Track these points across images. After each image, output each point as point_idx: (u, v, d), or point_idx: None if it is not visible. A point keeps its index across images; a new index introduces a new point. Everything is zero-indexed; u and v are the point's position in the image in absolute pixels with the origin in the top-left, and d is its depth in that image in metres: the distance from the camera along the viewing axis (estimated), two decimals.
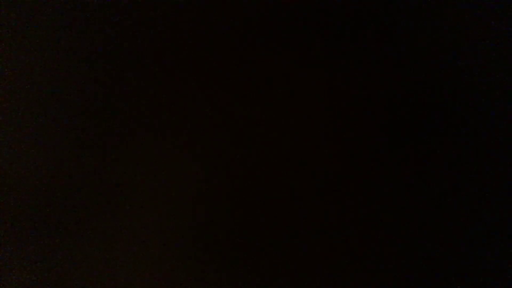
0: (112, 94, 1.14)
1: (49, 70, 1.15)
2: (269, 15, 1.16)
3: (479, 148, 1.14)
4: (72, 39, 1.15)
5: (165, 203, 1.13)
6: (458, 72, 1.16)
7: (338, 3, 1.16)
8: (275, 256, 1.12)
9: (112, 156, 1.13)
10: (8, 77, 1.15)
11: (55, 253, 1.12)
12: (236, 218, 1.13)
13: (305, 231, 1.13)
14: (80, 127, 1.14)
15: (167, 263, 1.12)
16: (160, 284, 1.12)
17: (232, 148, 1.14)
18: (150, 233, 1.13)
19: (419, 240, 1.13)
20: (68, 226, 1.13)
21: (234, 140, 1.14)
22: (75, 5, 1.16)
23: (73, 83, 1.15)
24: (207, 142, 1.14)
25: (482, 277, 1.12)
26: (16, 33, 1.15)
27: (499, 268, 1.12)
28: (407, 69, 1.16)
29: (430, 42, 1.16)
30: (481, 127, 1.15)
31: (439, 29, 1.16)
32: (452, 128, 1.15)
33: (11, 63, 1.15)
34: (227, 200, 1.13)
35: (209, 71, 1.15)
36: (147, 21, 1.16)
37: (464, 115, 1.15)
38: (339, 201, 1.13)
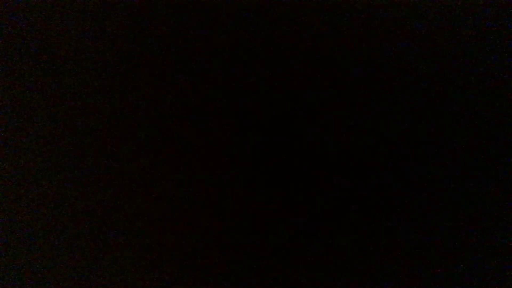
0: (112, 94, 1.15)
1: (49, 70, 1.15)
2: (268, 16, 1.16)
3: (479, 148, 1.14)
4: (72, 39, 1.16)
5: (164, 203, 1.13)
6: (458, 72, 1.16)
7: (339, 4, 1.16)
8: (274, 256, 1.13)
9: (112, 156, 1.14)
10: (8, 77, 1.15)
11: (54, 253, 1.13)
12: (235, 218, 1.13)
13: (304, 231, 1.13)
14: (80, 127, 1.14)
15: (166, 262, 1.13)
16: (159, 284, 1.12)
17: (231, 147, 1.14)
18: (149, 233, 1.13)
19: (418, 240, 1.13)
20: (68, 226, 1.13)
21: (232, 139, 1.15)
22: (74, 5, 1.16)
23: (72, 83, 1.15)
24: (207, 142, 1.14)
25: (482, 277, 1.12)
26: (16, 33, 1.16)
27: (499, 268, 1.12)
28: (407, 69, 1.16)
29: (430, 42, 1.16)
30: (481, 127, 1.15)
31: (439, 30, 1.16)
32: (452, 128, 1.15)
33: (11, 63, 1.15)
34: (226, 200, 1.14)
35: (209, 71, 1.16)
36: (147, 21, 1.16)
37: (464, 115, 1.15)
38: (339, 202, 1.13)
